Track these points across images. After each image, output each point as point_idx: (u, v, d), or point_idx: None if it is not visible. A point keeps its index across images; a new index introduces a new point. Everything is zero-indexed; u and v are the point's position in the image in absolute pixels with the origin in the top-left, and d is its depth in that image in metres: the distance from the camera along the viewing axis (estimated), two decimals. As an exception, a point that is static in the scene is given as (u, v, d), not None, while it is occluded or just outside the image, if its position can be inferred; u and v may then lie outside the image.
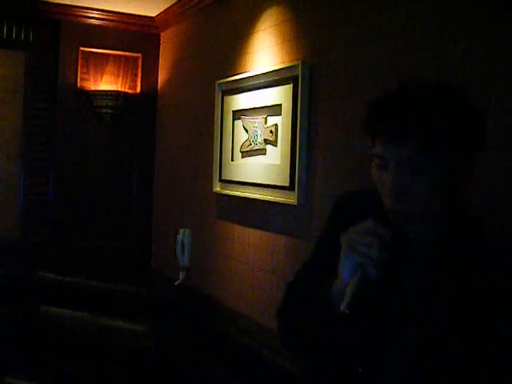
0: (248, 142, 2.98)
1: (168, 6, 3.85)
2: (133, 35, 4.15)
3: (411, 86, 1.05)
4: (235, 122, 3.11)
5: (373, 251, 0.99)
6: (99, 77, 4.06)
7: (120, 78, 4.14)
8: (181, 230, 3.39)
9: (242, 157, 3.04)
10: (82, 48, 3.99)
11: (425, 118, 0.98)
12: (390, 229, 1.01)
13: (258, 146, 2.88)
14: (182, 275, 3.37)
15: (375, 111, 1.05)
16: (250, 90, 2.93)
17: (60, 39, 3.93)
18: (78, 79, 3.98)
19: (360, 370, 1.09)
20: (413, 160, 1.00)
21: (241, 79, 3.01)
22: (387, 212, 1.04)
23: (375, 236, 1.00)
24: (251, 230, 2.97)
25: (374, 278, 0.99)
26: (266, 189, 2.76)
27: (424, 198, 1.02)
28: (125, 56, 4.15)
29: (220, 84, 3.22)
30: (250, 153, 2.97)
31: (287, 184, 2.58)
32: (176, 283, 3.34)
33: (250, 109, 2.93)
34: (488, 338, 1.04)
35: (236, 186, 3.07)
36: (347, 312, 0.97)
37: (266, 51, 2.86)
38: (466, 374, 1.04)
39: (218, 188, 3.27)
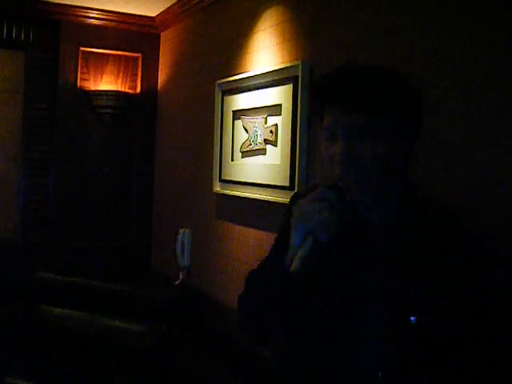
0: (248, 142, 2.98)
1: (168, 5, 3.85)
2: (133, 35, 4.15)
3: (356, 65, 1.14)
4: (235, 121, 3.11)
5: (322, 215, 1.01)
6: (99, 77, 4.07)
7: (120, 78, 4.14)
8: (181, 230, 3.40)
9: (242, 157, 3.04)
10: (82, 48, 3.99)
11: (369, 88, 1.05)
12: (339, 193, 1.04)
13: (257, 145, 2.88)
14: (181, 275, 3.37)
15: (323, 84, 1.12)
16: (250, 90, 2.93)
17: (60, 39, 3.93)
18: (78, 79, 3.99)
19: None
20: (359, 127, 1.05)
21: (241, 79, 3.01)
22: (337, 181, 1.07)
23: (324, 201, 1.02)
24: (251, 230, 2.97)
25: (325, 242, 1.01)
26: (265, 189, 2.76)
27: (371, 165, 1.05)
28: (125, 56, 4.15)
29: (220, 84, 3.22)
30: (249, 153, 2.97)
31: (287, 184, 2.58)
32: (176, 283, 3.34)
33: (250, 109, 2.93)
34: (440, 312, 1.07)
35: (236, 186, 3.07)
36: (298, 271, 0.99)
37: (266, 51, 2.86)
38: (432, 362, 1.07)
39: (217, 188, 3.27)
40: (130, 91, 4.15)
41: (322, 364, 1.13)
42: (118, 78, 4.13)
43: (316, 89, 1.14)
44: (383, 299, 1.08)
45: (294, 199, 1.27)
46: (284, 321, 1.14)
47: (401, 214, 1.12)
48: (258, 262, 1.27)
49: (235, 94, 3.09)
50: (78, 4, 3.87)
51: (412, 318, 1.05)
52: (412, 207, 1.13)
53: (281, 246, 1.11)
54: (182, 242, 3.36)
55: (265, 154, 2.82)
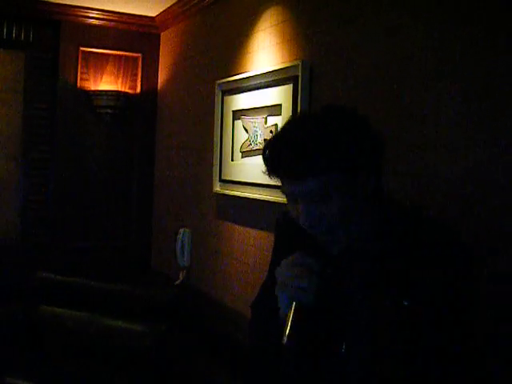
0: (248, 142, 2.98)
1: (168, 5, 3.85)
2: (133, 35, 4.15)
3: (298, 124, 1.09)
4: (235, 121, 3.11)
5: (303, 281, 1.02)
6: (99, 77, 4.07)
7: (120, 78, 4.14)
8: (181, 230, 3.39)
9: (242, 157, 3.04)
10: (81, 48, 3.99)
11: (314, 151, 1.01)
12: (317, 256, 1.05)
13: (258, 145, 2.88)
14: (181, 275, 3.37)
15: (269, 154, 1.07)
16: (250, 90, 2.93)
17: (60, 39, 3.94)
18: (78, 79, 3.99)
19: None
20: (314, 192, 1.03)
21: (241, 79, 3.01)
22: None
23: (303, 266, 1.04)
24: (251, 230, 2.97)
25: (312, 305, 1.02)
26: (265, 189, 2.76)
27: (335, 219, 1.05)
28: (125, 56, 4.15)
29: (220, 84, 3.22)
30: (249, 153, 2.97)
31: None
32: (176, 283, 3.34)
33: (250, 109, 2.93)
34: (437, 341, 1.05)
35: (236, 186, 3.07)
36: (290, 344, 1.00)
37: (266, 51, 2.86)
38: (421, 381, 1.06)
39: (217, 188, 3.27)
40: (129, 91, 4.15)
41: None
42: (118, 78, 4.13)
43: (263, 156, 1.09)
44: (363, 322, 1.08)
45: (280, 221, 1.29)
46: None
47: (377, 236, 1.10)
48: (259, 289, 1.29)
49: (235, 94, 3.09)
50: (78, 4, 3.87)
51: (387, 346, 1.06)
52: (388, 227, 1.11)
53: (274, 268, 1.12)
54: (182, 241, 3.36)
55: (265, 154, 2.81)
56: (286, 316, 1.02)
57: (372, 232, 1.11)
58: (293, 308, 1.02)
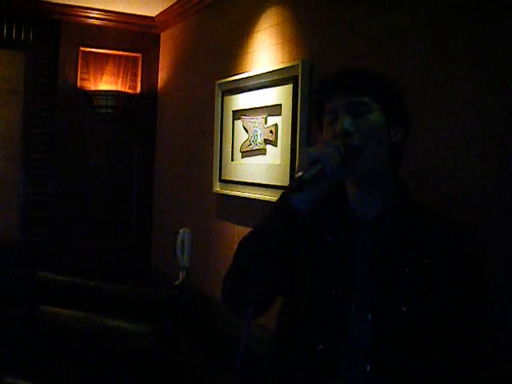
0: (248, 142, 2.98)
1: (168, 6, 3.85)
2: (133, 35, 4.15)
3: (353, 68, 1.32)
4: (235, 121, 3.11)
5: (330, 149, 1.14)
6: (99, 77, 4.07)
7: (120, 78, 4.14)
8: (181, 230, 3.39)
9: (242, 157, 3.04)
10: (82, 48, 3.99)
11: (366, 77, 1.26)
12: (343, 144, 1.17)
13: (257, 145, 2.88)
14: (181, 275, 3.36)
15: (327, 77, 1.28)
16: (250, 90, 2.93)
17: (60, 39, 3.93)
18: (78, 79, 3.98)
19: (321, 347, 1.16)
20: (360, 104, 1.20)
21: (241, 79, 3.01)
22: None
23: (331, 145, 1.16)
24: (251, 230, 2.96)
25: (328, 174, 1.12)
26: (265, 189, 2.76)
27: (369, 133, 1.19)
28: (125, 56, 4.15)
29: (220, 84, 3.22)
30: (249, 153, 2.97)
31: (287, 184, 2.58)
32: (176, 283, 3.34)
33: (250, 109, 2.93)
34: (440, 311, 1.15)
35: (236, 186, 3.07)
36: (307, 178, 1.10)
37: (266, 51, 2.86)
38: (421, 347, 1.14)
39: (217, 188, 3.27)
40: (130, 91, 4.15)
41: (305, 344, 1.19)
42: (118, 78, 4.13)
43: (321, 81, 1.28)
44: (374, 287, 1.16)
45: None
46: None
47: (391, 210, 1.22)
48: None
49: (235, 94, 3.09)
50: (78, 4, 3.87)
51: (403, 308, 1.13)
52: (402, 205, 1.24)
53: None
54: (182, 241, 3.36)
55: (265, 154, 2.82)
56: (306, 169, 1.11)
57: (395, 205, 1.23)
58: (319, 166, 1.11)
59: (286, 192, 1.20)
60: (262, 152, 2.84)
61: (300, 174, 1.11)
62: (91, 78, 4.04)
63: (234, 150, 3.12)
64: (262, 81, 2.80)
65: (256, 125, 2.88)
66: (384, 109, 1.21)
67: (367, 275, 1.17)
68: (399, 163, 1.29)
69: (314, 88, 1.30)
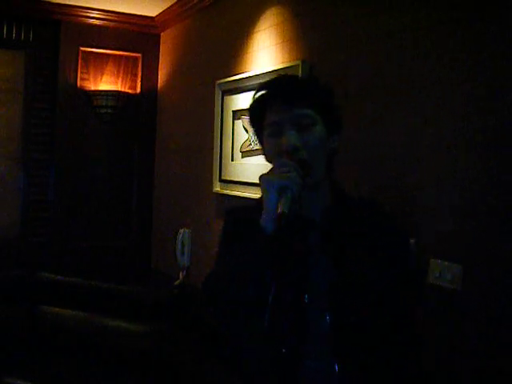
0: (248, 142, 2.98)
1: (168, 6, 3.85)
2: (133, 35, 4.15)
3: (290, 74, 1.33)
4: (235, 121, 3.11)
5: (291, 173, 1.12)
6: (99, 77, 4.07)
7: (120, 78, 4.14)
8: (181, 230, 3.39)
9: (242, 157, 3.04)
10: (82, 48, 3.99)
11: (305, 86, 1.26)
12: (298, 163, 1.16)
13: (258, 145, 2.87)
14: (181, 275, 3.37)
15: (266, 85, 1.27)
16: (250, 90, 2.93)
17: (60, 39, 3.94)
18: (78, 79, 3.99)
19: (284, 351, 1.18)
20: (304, 119, 1.20)
21: (241, 79, 3.01)
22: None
23: (290, 166, 1.14)
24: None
25: (296, 196, 1.11)
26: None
27: (315, 147, 1.20)
28: (125, 56, 4.15)
29: (220, 84, 3.22)
30: (249, 153, 2.97)
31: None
32: (176, 283, 3.34)
33: (250, 109, 2.93)
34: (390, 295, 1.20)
35: (236, 185, 3.07)
36: (286, 212, 1.08)
37: (266, 51, 2.86)
38: (381, 339, 1.18)
39: (217, 188, 3.27)
40: (130, 91, 4.15)
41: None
42: (117, 78, 4.13)
43: (258, 91, 1.27)
44: (324, 279, 1.19)
45: (229, 213, 1.41)
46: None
47: (331, 208, 1.27)
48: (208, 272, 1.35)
49: (235, 94, 3.09)
50: (78, 4, 3.87)
51: (358, 301, 1.16)
52: (340, 203, 1.28)
53: (231, 244, 1.25)
54: (182, 241, 3.36)
55: (265, 154, 2.82)
56: (277, 202, 1.10)
57: (333, 206, 1.27)
58: (289, 194, 1.10)
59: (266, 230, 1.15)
60: (262, 152, 2.83)
61: (280, 210, 1.09)
62: (91, 78, 4.04)
63: (234, 150, 3.12)
64: (262, 81, 2.79)
65: (256, 125, 2.88)
66: (325, 119, 1.23)
67: (321, 275, 1.20)
68: (332, 168, 1.31)
69: (256, 89, 1.28)
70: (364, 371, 1.16)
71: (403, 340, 1.23)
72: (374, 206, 1.32)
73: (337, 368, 1.15)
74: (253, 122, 1.30)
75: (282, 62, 2.68)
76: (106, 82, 4.08)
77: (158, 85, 4.25)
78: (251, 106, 1.29)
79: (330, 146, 1.26)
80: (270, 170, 1.16)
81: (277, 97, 1.23)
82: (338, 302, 1.17)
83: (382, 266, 1.20)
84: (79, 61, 3.98)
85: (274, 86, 1.26)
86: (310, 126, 1.21)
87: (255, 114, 1.28)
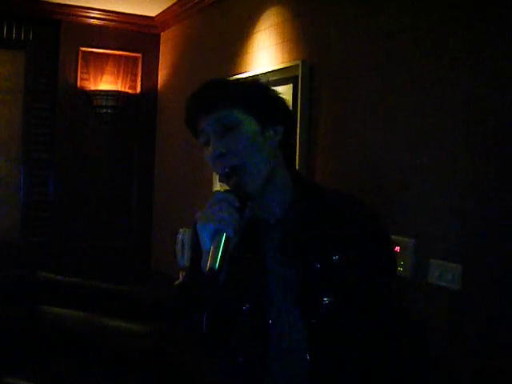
0: (248, 142, 2.97)
1: (168, 6, 3.84)
2: (133, 35, 4.15)
3: (215, 79, 1.27)
4: (235, 121, 3.10)
5: (224, 213, 1.06)
6: (99, 77, 4.06)
7: (120, 78, 4.14)
8: (181, 230, 3.39)
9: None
10: (82, 48, 3.99)
11: (224, 87, 1.21)
12: (233, 192, 1.11)
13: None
14: (182, 275, 3.36)
15: (190, 97, 1.25)
16: (249, 89, 2.93)
17: (60, 39, 3.93)
18: (78, 79, 3.98)
19: (241, 360, 1.18)
20: (224, 119, 1.15)
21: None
22: (222, 177, 1.17)
23: (222, 201, 1.08)
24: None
25: (233, 236, 1.05)
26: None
27: (245, 149, 1.14)
28: (125, 56, 4.15)
29: (220, 84, 3.22)
30: (249, 153, 2.96)
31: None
32: (176, 283, 3.34)
33: (250, 109, 2.93)
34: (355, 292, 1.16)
35: (236, 185, 3.06)
36: (216, 268, 1.02)
37: (266, 51, 2.86)
38: (354, 333, 1.16)
39: (217, 188, 3.27)
40: (130, 91, 4.15)
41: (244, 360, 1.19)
42: (117, 78, 4.13)
43: (187, 100, 1.25)
44: (292, 286, 1.15)
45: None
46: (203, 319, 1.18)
47: (292, 206, 1.20)
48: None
49: (235, 93, 3.08)
50: (78, 4, 3.87)
51: (326, 300, 1.13)
52: (302, 198, 1.21)
53: (194, 259, 1.18)
54: (182, 241, 3.36)
55: (265, 154, 2.81)
56: (210, 247, 1.04)
57: (295, 203, 1.20)
58: (222, 237, 1.04)
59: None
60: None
61: (208, 266, 1.02)
62: (91, 78, 4.04)
63: (234, 149, 3.12)
64: (262, 81, 2.79)
65: (256, 125, 2.88)
66: (253, 114, 1.17)
67: (284, 276, 1.16)
68: (291, 161, 1.26)
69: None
70: (336, 360, 1.15)
71: (384, 332, 1.20)
72: (350, 201, 1.23)
73: (308, 357, 1.13)
74: (193, 134, 1.26)
75: (282, 62, 2.68)
76: (106, 82, 4.07)
77: (158, 85, 4.25)
78: (185, 119, 1.27)
79: (272, 140, 1.18)
80: (206, 206, 1.10)
81: (196, 104, 1.22)
82: (306, 303, 1.14)
83: (357, 276, 1.15)
84: (79, 61, 3.98)
85: (196, 95, 1.23)
86: (234, 126, 1.15)
87: (189, 126, 1.26)
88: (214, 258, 1.02)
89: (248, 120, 1.16)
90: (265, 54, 2.87)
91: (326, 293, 1.13)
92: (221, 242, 1.03)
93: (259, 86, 1.25)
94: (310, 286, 1.14)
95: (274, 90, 1.25)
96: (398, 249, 1.92)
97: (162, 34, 4.22)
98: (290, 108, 1.30)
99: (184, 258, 3.39)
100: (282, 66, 2.63)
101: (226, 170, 1.14)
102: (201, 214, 1.09)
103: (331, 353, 1.14)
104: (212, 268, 1.01)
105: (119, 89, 4.10)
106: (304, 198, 1.21)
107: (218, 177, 3.24)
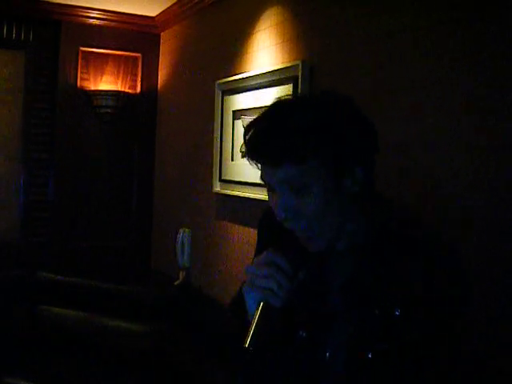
0: (248, 142, 2.97)
1: (168, 6, 3.85)
2: (133, 35, 4.15)
3: (283, 106, 1.01)
4: (235, 121, 3.11)
5: (271, 283, 0.96)
6: (99, 77, 4.06)
7: (120, 78, 4.14)
8: (181, 230, 3.39)
9: (242, 157, 3.04)
10: (82, 48, 3.99)
11: (292, 134, 0.93)
12: (291, 255, 0.98)
13: (257, 145, 2.87)
14: (181, 275, 3.36)
15: (246, 134, 1.00)
16: (249, 89, 2.93)
17: (60, 39, 3.93)
18: (78, 79, 3.98)
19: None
20: (291, 181, 0.96)
21: (241, 79, 3.01)
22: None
23: (272, 266, 0.97)
24: (251, 230, 2.96)
25: (279, 307, 0.96)
26: (265, 189, 2.76)
27: (314, 214, 0.97)
28: (125, 56, 4.15)
29: (220, 84, 3.22)
30: (250, 153, 2.96)
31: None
32: (176, 283, 3.34)
33: (250, 109, 2.93)
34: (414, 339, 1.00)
35: (236, 185, 3.07)
36: (251, 350, 0.94)
37: (266, 51, 2.86)
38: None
39: (217, 188, 3.27)
40: (130, 91, 4.15)
41: None
42: (117, 78, 4.13)
43: (244, 138, 1.01)
44: (345, 330, 1.03)
45: (262, 222, 1.25)
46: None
47: (368, 237, 1.02)
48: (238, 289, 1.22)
49: (235, 93, 3.09)
50: (78, 4, 3.87)
51: (374, 347, 1.00)
52: (382, 232, 1.02)
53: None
54: (182, 241, 3.36)
55: (265, 154, 2.81)
56: (252, 318, 0.96)
57: (359, 235, 1.03)
58: (259, 310, 0.95)
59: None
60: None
61: (245, 344, 0.93)
62: (91, 78, 4.04)
63: (234, 149, 3.12)
64: (262, 81, 2.80)
65: (256, 125, 2.88)
66: (326, 165, 0.95)
67: (340, 315, 1.03)
68: (370, 193, 1.06)
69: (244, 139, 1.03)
70: None
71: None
72: (432, 248, 1.00)
73: None
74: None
75: (282, 62, 2.68)
76: (106, 82, 4.07)
77: (158, 85, 4.25)
78: (244, 144, 1.03)
79: (349, 190, 0.99)
80: (256, 265, 1.00)
81: (257, 157, 0.99)
82: (355, 350, 1.00)
83: (415, 339, 0.99)
84: (79, 61, 3.98)
85: (255, 144, 0.98)
86: (304, 188, 0.96)
87: (249, 158, 1.02)
88: (248, 334, 0.94)
89: (320, 177, 0.95)
90: (265, 53, 2.87)
91: (377, 340, 0.99)
92: (258, 316, 0.95)
93: (337, 121, 0.98)
94: (363, 331, 1.00)
95: (351, 116, 1.02)
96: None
97: (162, 34, 4.22)
98: (374, 134, 1.06)
99: (184, 258, 3.39)
100: (282, 66, 2.64)
101: (296, 231, 1.00)
102: (250, 271, 0.99)
103: None
104: (247, 347, 0.94)
105: (119, 89, 4.10)
106: (374, 234, 1.02)
107: (217, 177, 3.25)
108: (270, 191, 1.02)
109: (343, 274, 1.03)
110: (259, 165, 1.00)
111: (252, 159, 1.00)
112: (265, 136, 0.96)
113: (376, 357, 0.98)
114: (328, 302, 1.05)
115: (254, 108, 2.89)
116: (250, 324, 0.96)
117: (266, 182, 1.01)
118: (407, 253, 0.99)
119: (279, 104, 1.02)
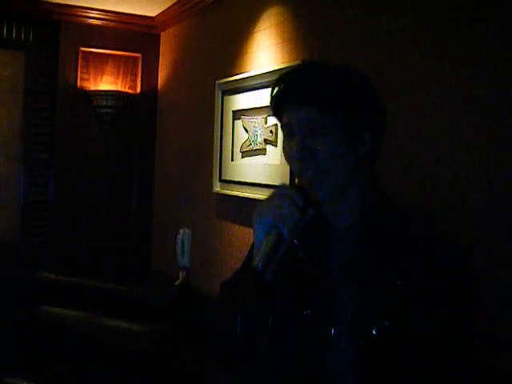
0: (248, 142, 2.98)
1: (168, 6, 3.85)
2: (133, 35, 4.15)
3: (312, 64, 1.12)
4: (235, 121, 3.11)
5: (284, 210, 1.00)
6: (99, 77, 4.07)
7: (120, 78, 4.14)
8: (181, 230, 3.39)
9: (242, 157, 3.04)
10: (82, 48, 3.99)
11: (323, 82, 1.04)
12: (300, 191, 1.03)
13: (257, 145, 2.88)
14: (181, 275, 3.36)
15: (279, 80, 1.09)
16: (249, 90, 2.93)
17: (60, 39, 3.93)
18: (78, 79, 3.98)
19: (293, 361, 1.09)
20: (312, 122, 1.03)
21: (241, 79, 3.01)
22: (298, 177, 1.09)
23: (285, 197, 1.02)
24: (251, 230, 2.96)
25: (287, 237, 0.99)
26: (266, 189, 2.76)
27: (327, 155, 1.04)
28: (125, 56, 4.15)
29: (220, 84, 3.22)
30: (249, 153, 2.97)
31: (287, 184, 2.57)
32: (176, 283, 3.34)
33: (250, 109, 2.93)
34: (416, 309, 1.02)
35: (236, 186, 3.07)
36: (260, 268, 0.96)
37: (266, 51, 2.86)
38: (407, 362, 1.02)
39: (217, 188, 3.27)
40: (130, 91, 4.15)
41: (294, 365, 1.10)
42: (117, 78, 4.13)
43: (274, 86, 1.10)
44: (349, 306, 1.05)
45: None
46: (254, 324, 1.11)
47: (366, 215, 1.09)
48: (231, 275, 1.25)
49: (235, 94, 3.09)
50: (78, 4, 3.87)
51: (385, 323, 1.01)
52: (377, 209, 1.09)
53: (251, 256, 1.10)
54: (182, 241, 3.36)
55: (265, 154, 2.82)
56: (261, 242, 0.99)
57: (361, 211, 1.09)
58: (273, 234, 0.98)
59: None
60: (262, 152, 2.84)
61: (254, 263, 0.97)
62: (91, 78, 4.04)
63: (234, 149, 3.12)
64: (262, 81, 2.80)
65: (256, 125, 2.88)
66: (343, 122, 1.04)
67: (343, 291, 1.05)
68: (372, 167, 1.15)
69: (273, 83, 1.11)
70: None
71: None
72: (430, 225, 1.07)
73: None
74: (276, 119, 1.14)
75: (282, 62, 2.68)
76: (106, 82, 4.07)
77: (158, 85, 4.25)
78: (270, 103, 1.13)
79: (359, 149, 1.07)
80: (268, 198, 1.04)
81: (287, 95, 1.07)
82: (361, 324, 1.02)
83: (421, 310, 1.01)
84: (79, 61, 3.98)
85: (286, 81, 1.08)
86: (322, 132, 1.03)
87: (274, 112, 1.13)
88: (260, 256, 0.97)
89: (336, 129, 1.03)
90: (265, 53, 2.87)
91: (380, 316, 1.01)
92: (271, 241, 0.98)
93: (358, 83, 1.10)
94: (366, 307, 1.03)
95: (367, 88, 1.12)
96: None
97: (162, 34, 4.22)
98: (385, 111, 1.17)
99: (184, 258, 3.39)
100: (281, 66, 2.63)
101: (307, 173, 1.05)
102: (259, 205, 1.03)
103: (378, 379, 1.02)
104: (256, 267, 0.96)
105: (119, 89, 4.10)
106: (379, 211, 1.09)
107: (217, 177, 3.25)
108: (288, 137, 1.08)
109: (345, 252, 1.08)
110: (281, 114, 1.08)
111: (281, 96, 1.07)
112: (304, 73, 1.06)
113: (381, 334, 1.01)
114: (330, 277, 1.07)
115: (254, 108, 2.89)
116: (258, 249, 1.00)
117: (285, 128, 1.08)
118: (409, 226, 1.06)
119: (308, 63, 1.15)
